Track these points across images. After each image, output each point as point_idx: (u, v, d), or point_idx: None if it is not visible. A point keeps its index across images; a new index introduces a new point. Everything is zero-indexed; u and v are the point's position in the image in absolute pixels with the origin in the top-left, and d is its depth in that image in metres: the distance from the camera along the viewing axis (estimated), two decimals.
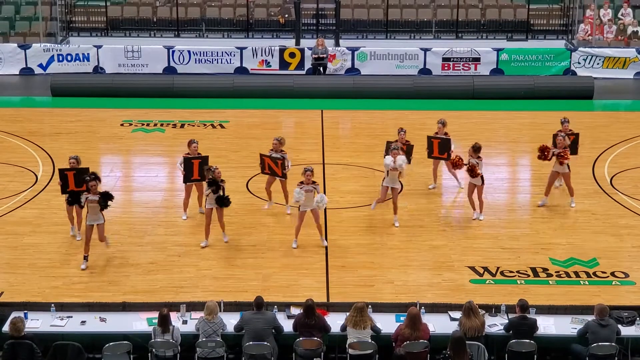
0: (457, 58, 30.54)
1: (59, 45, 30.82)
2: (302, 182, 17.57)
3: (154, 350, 14.16)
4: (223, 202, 17.51)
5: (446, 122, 20.18)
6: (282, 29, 32.23)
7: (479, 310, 14.48)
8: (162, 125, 25.56)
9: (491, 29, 32.31)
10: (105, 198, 16.77)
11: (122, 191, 20.68)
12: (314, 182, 17.62)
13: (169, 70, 30.45)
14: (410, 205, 19.50)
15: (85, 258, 17.05)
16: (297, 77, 29.54)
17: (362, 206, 19.84)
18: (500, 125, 25.90)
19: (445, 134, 19.98)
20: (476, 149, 18.80)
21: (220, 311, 14.63)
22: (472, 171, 18.60)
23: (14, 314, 14.62)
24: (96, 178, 16.97)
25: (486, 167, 20.34)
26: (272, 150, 18.93)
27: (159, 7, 32.76)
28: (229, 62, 30.58)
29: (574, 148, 19.75)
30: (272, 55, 30.50)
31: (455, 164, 19.21)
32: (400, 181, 18.69)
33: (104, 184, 20.25)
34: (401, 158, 18.37)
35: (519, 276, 16.93)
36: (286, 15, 32.35)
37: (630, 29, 31.64)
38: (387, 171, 18.50)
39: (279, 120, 26.74)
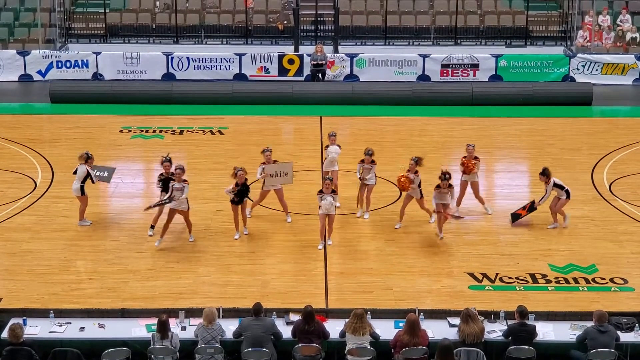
0: (455, 64, 30.55)
1: (58, 52, 30.82)
2: (321, 191, 17.91)
3: (152, 356, 14.14)
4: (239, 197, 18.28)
5: (374, 152, 19.36)
6: (281, 35, 32.22)
7: (478, 316, 14.48)
8: (161, 131, 25.55)
9: (490, 35, 32.30)
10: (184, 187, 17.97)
11: (121, 197, 20.67)
12: (333, 191, 17.99)
13: (168, 76, 30.44)
14: (409, 211, 19.47)
15: (162, 237, 18.19)
16: (296, 83, 29.53)
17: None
18: (499, 132, 25.90)
19: (372, 162, 19.27)
20: (417, 162, 18.64)
21: (219, 317, 14.62)
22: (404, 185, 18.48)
23: (12, 320, 14.59)
24: (180, 167, 17.99)
25: (486, 173, 20.41)
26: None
27: (158, 13, 32.76)
28: (227, 68, 30.58)
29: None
30: (271, 62, 30.51)
31: (403, 186, 18.62)
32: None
33: (103, 190, 20.25)
34: (336, 148, 19.70)
35: (518, 282, 16.91)
36: (285, 22, 32.36)
37: (628, 35, 31.66)
38: (328, 156, 19.68)
39: (277, 127, 26.73)
